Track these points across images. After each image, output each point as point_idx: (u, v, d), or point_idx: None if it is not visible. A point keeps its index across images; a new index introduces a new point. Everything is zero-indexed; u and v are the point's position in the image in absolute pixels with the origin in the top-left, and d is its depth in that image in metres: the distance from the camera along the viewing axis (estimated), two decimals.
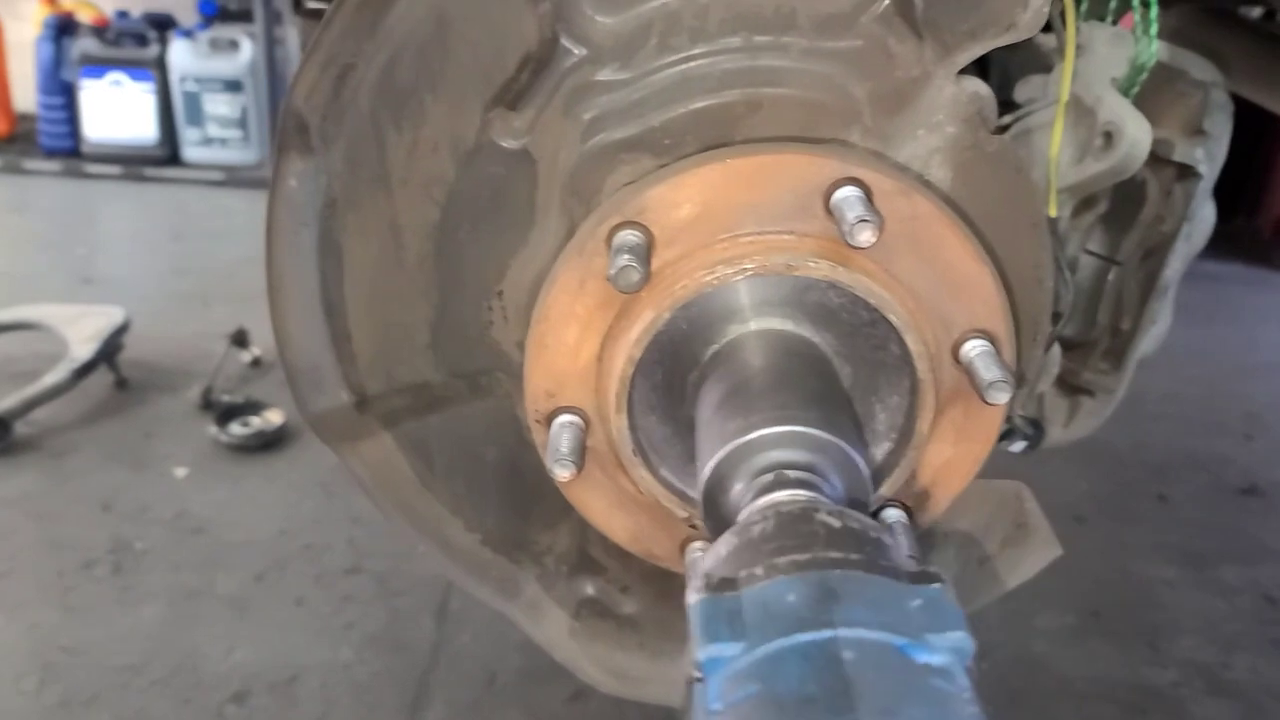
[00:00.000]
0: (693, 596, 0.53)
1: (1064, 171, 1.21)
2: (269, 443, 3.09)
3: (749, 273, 0.73)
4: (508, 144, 0.79)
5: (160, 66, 6.44)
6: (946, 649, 0.49)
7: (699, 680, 0.50)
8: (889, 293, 0.73)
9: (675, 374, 0.80)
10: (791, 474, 0.65)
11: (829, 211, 0.73)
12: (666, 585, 0.94)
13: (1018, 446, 1.31)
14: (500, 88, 0.78)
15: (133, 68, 6.43)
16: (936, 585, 0.53)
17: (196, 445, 3.08)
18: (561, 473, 0.76)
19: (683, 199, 0.74)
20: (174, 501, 2.80)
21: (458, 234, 0.83)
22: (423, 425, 0.91)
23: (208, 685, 2.16)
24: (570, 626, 0.98)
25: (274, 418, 3.17)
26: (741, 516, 0.62)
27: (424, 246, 0.84)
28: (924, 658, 0.48)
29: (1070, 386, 1.43)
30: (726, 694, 0.48)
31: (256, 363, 3.57)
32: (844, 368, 0.78)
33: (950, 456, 0.80)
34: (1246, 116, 1.38)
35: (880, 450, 0.80)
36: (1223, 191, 1.35)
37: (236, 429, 3.11)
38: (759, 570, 0.53)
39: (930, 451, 0.79)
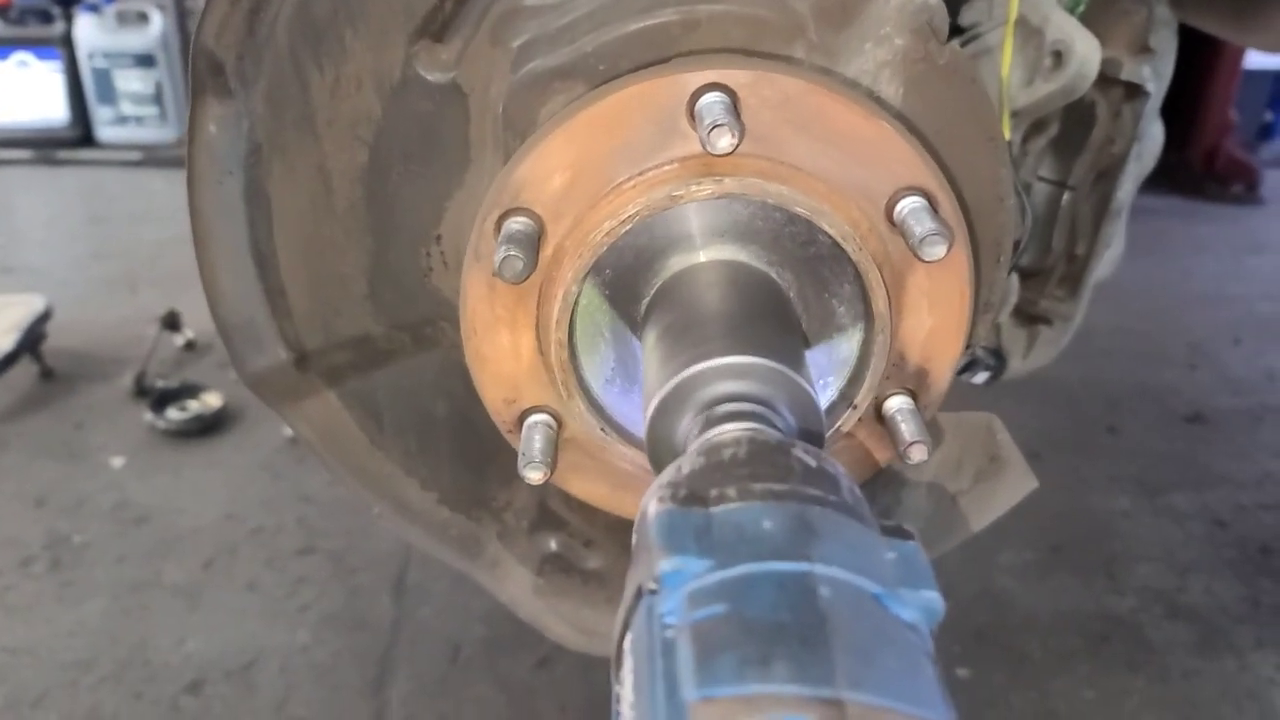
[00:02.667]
0: (654, 506, 0.50)
1: (1014, 94, 1.19)
2: (209, 426, 3.00)
3: (636, 218, 0.69)
4: (435, 77, 0.75)
5: (67, 44, 6.19)
6: (918, 607, 0.47)
7: (652, 592, 0.46)
8: (788, 186, 0.69)
9: (618, 339, 0.76)
10: (733, 407, 0.61)
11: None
12: (631, 537, 0.91)
13: (981, 377, 1.30)
14: (424, 18, 0.73)
15: (39, 47, 6.18)
16: (911, 542, 0.51)
17: (132, 433, 2.98)
18: (533, 475, 0.74)
19: (552, 169, 0.70)
20: (112, 492, 2.71)
21: (389, 176, 0.79)
22: (368, 381, 0.86)
23: (160, 678, 2.11)
24: (534, 584, 0.95)
25: (212, 400, 3.08)
26: (706, 437, 0.58)
27: (355, 191, 0.80)
28: (897, 610, 0.46)
29: (1028, 316, 1.42)
30: (686, 610, 0.44)
31: (190, 346, 3.46)
32: (784, 275, 0.74)
33: (931, 326, 0.76)
34: (1177, 52, 1.37)
35: (852, 343, 0.76)
36: None
37: (174, 414, 3.01)
38: (731, 491, 0.50)
39: (909, 326, 0.75)
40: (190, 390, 3.12)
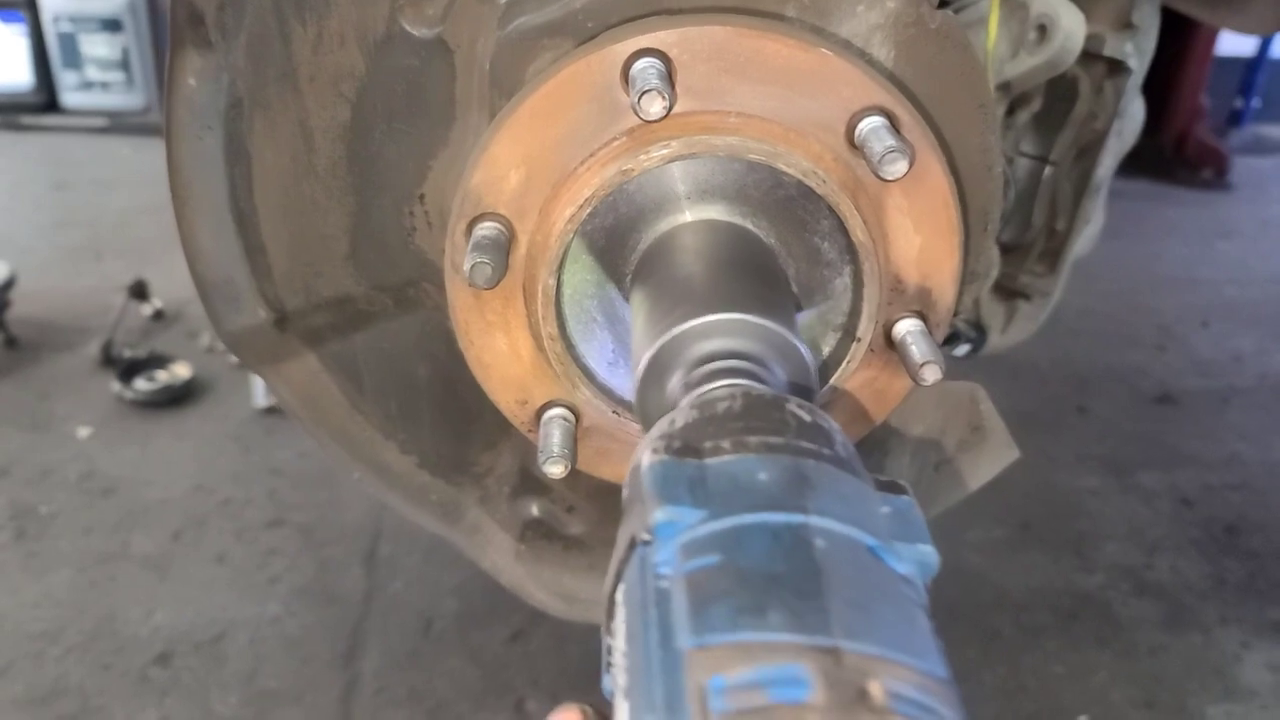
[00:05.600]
0: (647, 457, 0.49)
1: (999, 67, 1.18)
2: (177, 397, 2.96)
3: (593, 201, 0.68)
4: (420, 33, 0.73)
5: (31, 6, 6.00)
6: (913, 560, 0.47)
7: (645, 543, 0.45)
8: (737, 135, 0.68)
9: (612, 321, 0.76)
10: (721, 364, 0.60)
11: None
12: (613, 504, 0.90)
13: (962, 350, 1.30)
14: None
15: (1, 9, 6.01)
16: (905, 497, 0.51)
17: (99, 404, 2.93)
18: (554, 469, 0.74)
19: (505, 168, 0.70)
20: (79, 463, 2.67)
21: (372, 134, 0.77)
22: (348, 343, 0.85)
23: (129, 649, 2.08)
24: (516, 550, 0.94)
25: (181, 371, 3.04)
26: (698, 392, 0.58)
27: (336, 149, 0.78)
28: (892, 562, 0.46)
29: (1007, 291, 1.42)
30: (679, 560, 0.44)
31: (159, 315, 3.41)
32: (760, 223, 0.73)
33: (921, 243, 0.74)
34: None
35: (844, 276, 0.75)
36: None
37: (142, 384, 2.97)
38: (726, 443, 0.49)
39: (898, 248, 0.74)
40: (158, 360, 3.07)
